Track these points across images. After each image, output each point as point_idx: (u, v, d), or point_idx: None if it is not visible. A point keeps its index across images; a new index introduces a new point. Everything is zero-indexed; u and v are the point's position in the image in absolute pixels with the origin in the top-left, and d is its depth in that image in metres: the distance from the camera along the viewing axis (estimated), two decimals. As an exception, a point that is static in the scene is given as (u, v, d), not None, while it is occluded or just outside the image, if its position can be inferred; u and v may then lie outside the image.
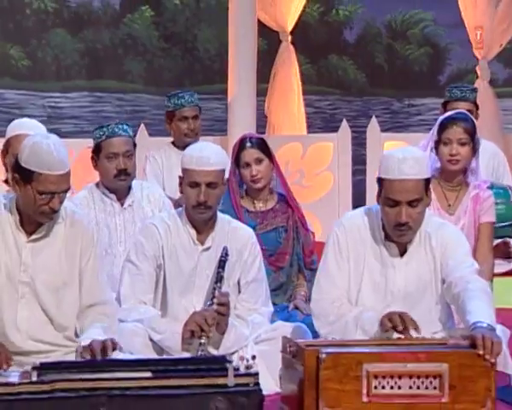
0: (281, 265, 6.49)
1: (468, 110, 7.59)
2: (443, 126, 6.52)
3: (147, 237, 5.61)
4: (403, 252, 5.27)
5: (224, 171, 5.61)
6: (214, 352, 5.36)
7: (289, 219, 6.59)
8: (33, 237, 5.02)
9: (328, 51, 12.96)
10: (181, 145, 7.67)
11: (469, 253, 5.42)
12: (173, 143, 7.95)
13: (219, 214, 5.68)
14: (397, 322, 5.00)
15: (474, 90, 8.05)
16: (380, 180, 5.20)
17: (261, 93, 10.58)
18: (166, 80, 12.22)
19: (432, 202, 6.39)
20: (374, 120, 9.76)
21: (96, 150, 6.55)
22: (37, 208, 4.84)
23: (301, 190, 9.24)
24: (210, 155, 5.54)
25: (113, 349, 4.91)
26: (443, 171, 6.55)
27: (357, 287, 5.31)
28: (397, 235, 5.19)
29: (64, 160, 4.88)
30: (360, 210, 5.46)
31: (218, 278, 5.41)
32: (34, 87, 12.21)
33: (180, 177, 5.60)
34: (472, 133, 6.53)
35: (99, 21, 12.52)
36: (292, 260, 6.57)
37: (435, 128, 6.60)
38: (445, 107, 7.86)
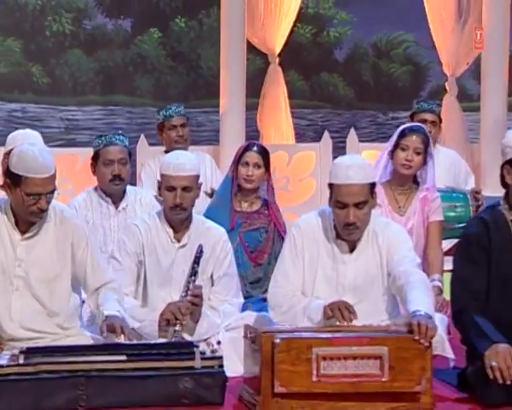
0: (260, 261, 6.54)
1: (433, 121, 7.75)
2: (403, 134, 6.61)
3: (129, 235, 5.67)
4: (352, 249, 5.35)
5: (197, 176, 5.66)
6: (189, 338, 5.37)
7: (271, 222, 6.64)
8: (27, 235, 5.10)
9: (319, 69, 12.91)
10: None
11: (412, 249, 5.46)
12: (166, 151, 7.87)
13: (194, 215, 5.74)
14: (335, 311, 5.10)
15: (439, 105, 8.05)
16: (330, 185, 5.28)
17: (254, 107, 10.55)
18: (173, 95, 12.16)
19: (384, 204, 6.54)
20: (352, 131, 9.75)
21: (95, 157, 6.63)
22: (27, 209, 4.93)
23: (287, 194, 9.29)
24: (185, 162, 5.61)
25: (122, 332, 4.93)
26: (395, 174, 6.62)
27: (312, 281, 5.37)
28: (346, 234, 5.27)
29: (48, 164, 4.95)
30: (314, 212, 5.51)
31: (193, 273, 5.46)
32: (53, 102, 12.22)
33: (159, 181, 5.66)
34: (426, 145, 6.61)
35: (112, 42, 12.51)
36: (270, 258, 6.57)
37: (396, 134, 6.66)
38: (412, 117, 7.86)
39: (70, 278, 5.19)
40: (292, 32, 11.03)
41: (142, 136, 9.19)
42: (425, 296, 5.02)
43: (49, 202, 5.01)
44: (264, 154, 6.68)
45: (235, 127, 9.79)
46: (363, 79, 12.95)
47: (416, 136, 6.59)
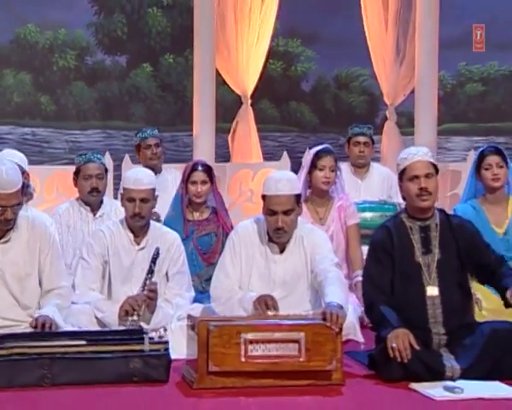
0: (212, 261, 6.44)
1: (365, 142, 7.74)
2: (318, 156, 6.62)
3: (95, 239, 5.71)
4: (282, 250, 5.42)
5: (154, 189, 5.69)
6: (146, 326, 5.31)
7: (219, 226, 6.58)
8: (2, 240, 5.16)
9: (288, 98, 12.90)
10: (149, 169, 7.29)
11: (331, 251, 5.55)
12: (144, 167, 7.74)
13: (152, 222, 5.77)
14: (261, 305, 5.20)
15: (370, 128, 8.00)
16: (263, 196, 5.39)
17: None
18: (162, 120, 12.20)
19: (307, 217, 6.54)
20: (306, 152, 9.80)
21: (77, 172, 6.62)
22: None
23: (251, 205, 9.20)
24: (143, 177, 5.67)
25: (50, 327, 4.97)
26: (315, 191, 6.64)
27: (248, 277, 5.45)
28: (276, 237, 5.37)
29: (13, 181, 4.98)
30: (251, 220, 5.60)
31: (150, 271, 5.47)
32: (59, 126, 12.24)
33: (121, 193, 5.69)
34: (337, 163, 6.67)
35: (110, 76, 12.52)
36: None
37: (310, 157, 6.68)
38: (348, 141, 7.85)
39: (38, 277, 5.25)
40: (265, 67, 10.95)
41: (127, 156, 9.11)
42: (339, 290, 5.10)
43: (14, 213, 5.04)
44: (209, 170, 6.66)
45: (205, 148, 9.74)
46: (326, 107, 12.94)
47: (330, 156, 6.63)
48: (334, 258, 5.51)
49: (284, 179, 5.38)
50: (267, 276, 5.45)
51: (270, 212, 5.33)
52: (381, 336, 5.03)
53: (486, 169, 6.29)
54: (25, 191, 6.12)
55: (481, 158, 6.34)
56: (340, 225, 6.65)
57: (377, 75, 10.58)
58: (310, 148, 10.38)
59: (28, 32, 12.31)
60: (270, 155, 10.88)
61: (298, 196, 5.40)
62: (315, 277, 5.38)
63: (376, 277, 5.20)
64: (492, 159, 6.28)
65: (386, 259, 5.19)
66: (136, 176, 5.66)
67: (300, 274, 5.46)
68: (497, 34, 12.33)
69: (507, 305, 5.10)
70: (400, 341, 4.84)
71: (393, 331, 4.90)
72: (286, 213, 5.30)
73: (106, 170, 6.75)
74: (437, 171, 5.30)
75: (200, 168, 6.62)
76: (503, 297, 5.11)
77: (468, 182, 6.66)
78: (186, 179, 6.61)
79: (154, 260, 5.54)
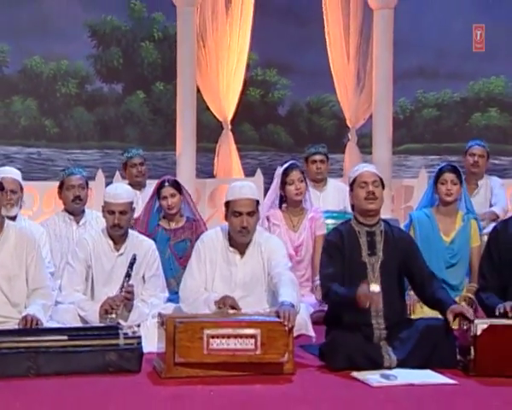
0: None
1: (321, 160, 7.67)
2: (286, 173, 6.72)
3: (80, 247, 5.73)
4: (242, 255, 5.47)
5: (131, 202, 5.72)
6: (124, 323, 5.31)
7: (193, 233, 6.54)
8: None
9: (267, 122, 12.86)
10: (134, 185, 7.51)
11: (285, 256, 5.59)
12: (129, 183, 7.65)
13: (130, 231, 5.79)
14: (225, 303, 5.25)
15: (324, 147, 7.92)
16: (227, 203, 5.43)
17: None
18: (153, 141, 12.18)
19: (282, 224, 6.64)
20: (279, 168, 9.85)
21: (61, 185, 6.61)
22: None
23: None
24: (122, 192, 5.70)
25: (36, 324, 5.01)
26: (290, 203, 6.73)
27: (212, 280, 5.48)
28: (240, 236, 5.41)
29: None
30: (215, 229, 5.66)
31: (127, 275, 5.51)
32: (61, 146, 12.18)
33: (102, 206, 5.70)
34: (304, 174, 6.77)
35: (107, 101, 12.46)
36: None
37: (279, 174, 6.75)
38: (306, 160, 7.78)
39: (25, 277, 5.28)
40: (245, 95, 11.02)
41: (117, 172, 9.18)
42: (291, 291, 5.16)
43: None
44: (176, 184, 6.66)
45: (187, 165, 9.77)
46: (300, 129, 12.91)
47: (296, 170, 6.73)
48: (288, 262, 5.57)
49: (247, 186, 5.52)
50: (229, 278, 5.49)
51: (235, 214, 5.38)
52: (331, 328, 5.16)
53: (442, 184, 6.36)
54: (20, 203, 6.24)
55: (439, 173, 6.40)
56: (310, 234, 6.73)
57: (340, 102, 10.64)
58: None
59: (34, 63, 12.29)
60: (250, 172, 10.86)
61: (257, 202, 5.50)
62: (271, 279, 5.43)
63: (330, 270, 5.27)
64: (448, 176, 6.35)
65: (338, 256, 5.29)
66: (116, 191, 5.70)
67: (259, 277, 5.50)
68: (450, 65, 12.46)
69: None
70: (368, 297, 4.94)
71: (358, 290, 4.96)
72: (249, 214, 5.38)
73: (87, 182, 6.73)
74: (383, 184, 5.39)
75: (166, 184, 6.63)
76: (442, 313, 5.16)
77: (426, 192, 6.73)
78: (158, 196, 6.64)
79: (131, 265, 5.57)
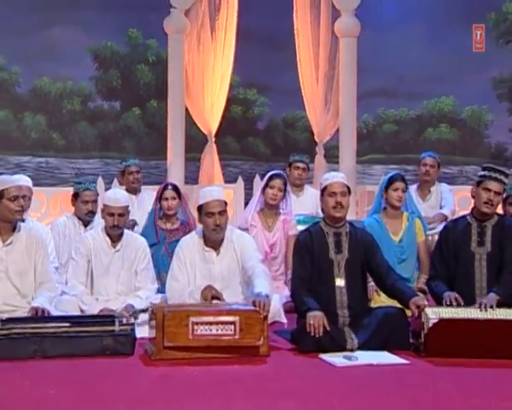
0: None
1: (303, 168, 7.72)
2: (271, 178, 6.68)
3: (82, 243, 5.71)
4: (218, 253, 5.45)
5: (128, 206, 5.70)
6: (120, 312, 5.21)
7: (186, 234, 6.15)
8: (6, 243, 5.20)
9: (247, 135, 12.83)
10: (131, 190, 7.49)
11: (256, 250, 5.58)
12: (126, 189, 7.63)
13: (125, 230, 5.76)
14: (208, 295, 5.23)
15: (307, 158, 7.97)
16: (199, 207, 5.41)
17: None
18: (148, 152, 12.11)
19: (258, 225, 6.62)
20: (257, 177, 9.92)
21: (76, 195, 6.56)
22: None
23: None
24: (121, 197, 5.68)
25: (43, 313, 5.00)
26: (266, 205, 6.69)
27: (193, 277, 5.44)
28: (214, 234, 5.38)
29: None
30: (190, 235, 5.61)
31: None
32: (67, 156, 12.14)
33: (102, 209, 5.68)
34: (285, 185, 6.75)
35: (107, 117, 12.39)
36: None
37: (265, 179, 6.70)
38: (290, 165, 7.78)
39: (34, 272, 5.27)
40: (228, 112, 10.95)
41: (115, 179, 9.08)
42: (265, 282, 5.17)
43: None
44: (176, 189, 6.69)
45: (177, 173, 9.76)
46: (276, 141, 12.87)
47: (279, 179, 6.71)
48: (259, 255, 5.56)
49: (216, 189, 5.57)
50: (208, 274, 5.44)
51: (209, 215, 5.36)
52: (302, 316, 5.10)
53: (395, 190, 6.36)
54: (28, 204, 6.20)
55: (391, 181, 6.40)
56: (283, 234, 6.70)
57: (310, 119, 10.61)
58: (261, 174, 10.47)
59: (43, 84, 12.26)
60: (233, 179, 10.82)
61: (225, 203, 5.47)
62: (245, 272, 5.41)
63: (300, 270, 5.27)
64: (399, 184, 6.36)
65: (307, 255, 5.28)
66: (115, 196, 5.69)
67: (234, 270, 5.47)
68: (407, 87, 12.51)
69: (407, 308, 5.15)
70: (316, 320, 4.94)
71: (311, 312, 4.98)
72: (220, 213, 5.36)
73: (98, 194, 6.71)
74: (349, 191, 5.40)
75: (169, 187, 6.67)
76: (402, 303, 5.18)
77: (376, 199, 6.73)
78: (160, 197, 6.63)
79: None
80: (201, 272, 5.43)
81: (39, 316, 4.97)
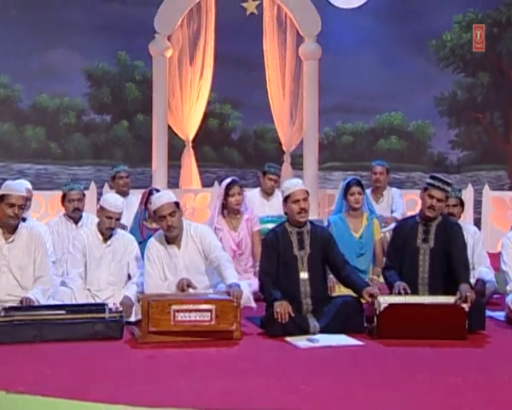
0: None
1: (276, 180, 7.56)
2: (228, 187, 6.50)
3: (78, 239, 5.59)
4: (179, 247, 5.31)
5: (122, 211, 5.61)
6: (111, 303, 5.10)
7: None
8: (9, 240, 5.13)
9: (223, 145, 12.76)
10: (120, 194, 7.11)
11: (216, 239, 5.47)
12: (117, 192, 7.51)
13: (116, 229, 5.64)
14: (183, 285, 5.17)
15: (280, 169, 7.89)
16: (154, 212, 5.29)
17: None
18: (136, 160, 11.98)
19: (224, 228, 6.49)
20: (220, 184, 9.77)
21: (64, 196, 6.44)
22: None
23: (193, 218, 8.93)
24: (119, 204, 5.57)
25: (28, 302, 4.92)
26: (230, 210, 6.54)
27: (163, 272, 5.33)
28: (169, 233, 5.28)
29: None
30: (154, 236, 5.48)
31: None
32: (63, 164, 12.08)
33: (100, 210, 5.53)
34: (242, 188, 6.57)
35: (99, 129, 12.31)
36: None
37: (223, 187, 6.56)
38: (264, 174, 7.64)
39: (33, 267, 5.20)
40: (206, 124, 10.95)
41: (106, 183, 9.08)
42: (233, 272, 5.13)
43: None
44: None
45: (161, 178, 9.74)
46: (248, 151, 12.84)
47: (236, 185, 6.55)
48: (219, 243, 5.45)
49: (164, 194, 5.45)
50: (174, 268, 5.34)
51: (161, 218, 5.27)
52: (269, 305, 5.09)
53: (351, 194, 6.37)
54: (27, 205, 6.11)
55: (348, 186, 6.40)
56: (248, 231, 6.61)
57: (278, 131, 10.61)
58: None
59: (42, 100, 12.19)
60: (210, 183, 10.80)
61: (176, 203, 5.35)
62: (210, 263, 5.30)
63: (267, 266, 5.24)
64: (355, 189, 6.35)
65: (274, 253, 5.25)
66: (115, 202, 5.54)
67: (197, 262, 5.35)
68: (362, 103, 12.58)
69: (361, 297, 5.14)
70: (282, 308, 4.92)
71: (279, 301, 4.97)
72: (170, 214, 5.25)
73: (84, 194, 6.58)
74: (308, 194, 5.38)
75: (154, 192, 6.50)
76: (356, 292, 5.16)
77: (338, 201, 6.73)
78: (146, 201, 6.53)
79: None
80: (168, 266, 5.34)
81: (25, 305, 4.92)
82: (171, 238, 5.36)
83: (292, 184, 5.37)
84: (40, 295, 5.09)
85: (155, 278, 5.33)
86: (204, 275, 5.38)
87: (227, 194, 6.54)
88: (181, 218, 5.34)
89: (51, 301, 5.15)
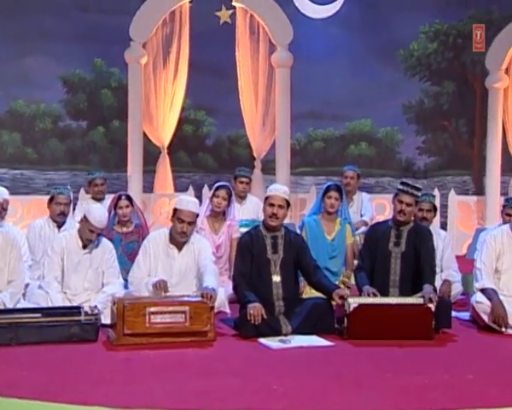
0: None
1: (247, 182, 7.65)
2: (219, 188, 6.60)
3: (56, 243, 5.53)
4: (179, 251, 5.41)
5: (105, 227, 5.60)
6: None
7: (140, 236, 6.43)
8: None
9: (197, 150, 12.59)
10: (95, 199, 7.47)
11: (211, 253, 5.52)
12: (92, 197, 7.75)
13: None
14: (159, 285, 5.16)
15: (251, 173, 7.94)
16: (175, 209, 5.36)
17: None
18: (111, 165, 11.80)
19: (206, 228, 6.56)
20: (206, 187, 9.89)
21: (51, 199, 6.43)
22: None
23: (168, 221, 8.57)
24: (104, 220, 5.50)
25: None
26: (213, 212, 6.62)
27: (155, 269, 5.38)
28: (179, 238, 5.34)
29: None
30: (158, 231, 5.54)
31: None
32: (40, 169, 11.85)
33: (83, 222, 5.47)
34: (230, 195, 6.66)
35: (75, 134, 12.10)
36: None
37: (212, 190, 6.63)
38: (235, 179, 7.70)
39: (7, 270, 5.14)
40: (180, 130, 10.91)
41: (82, 189, 9.02)
42: (213, 278, 5.15)
43: None
44: (129, 198, 6.59)
45: (136, 183, 9.72)
46: (223, 156, 12.61)
47: (224, 189, 6.65)
48: (212, 258, 5.53)
49: (192, 202, 5.46)
50: (168, 268, 5.41)
51: (179, 220, 5.31)
52: (243, 307, 5.10)
53: (329, 198, 6.40)
54: (3, 214, 6.04)
55: (327, 190, 6.43)
56: (228, 237, 6.66)
57: (249, 138, 10.62)
58: (210, 184, 10.46)
59: (19, 106, 11.98)
60: (185, 187, 10.78)
61: (197, 215, 5.42)
62: (198, 269, 5.39)
63: (241, 267, 5.25)
64: (333, 193, 6.38)
65: (248, 255, 5.27)
66: (100, 219, 5.47)
67: (191, 267, 5.44)
68: (332, 110, 12.60)
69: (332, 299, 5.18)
70: (255, 310, 4.94)
71: (252, 303, 4.99)
72: (189, 223, 5.32)
73: (70, 201, 6.58)
74: (288, 204, 5.38)
75: (123, 198, 6.57)
76: (327, 295, 5.19)
77: (315, 202, 6.76)
78: (115, 206, 6.53)
79: None
80: (163, 265, 5.38)
81: (17, 308, 4.95)
82: (176, 241, 5.39)
83: (275, 188, 5.43)
84: (8, 298, 5.03)
85: (143, 271, 5.34)
86: (193, 281, 5.44)
87: (214, 194, 6.60)
88: (194, 229, 5.41)
89: (27, 305, 5.13)
